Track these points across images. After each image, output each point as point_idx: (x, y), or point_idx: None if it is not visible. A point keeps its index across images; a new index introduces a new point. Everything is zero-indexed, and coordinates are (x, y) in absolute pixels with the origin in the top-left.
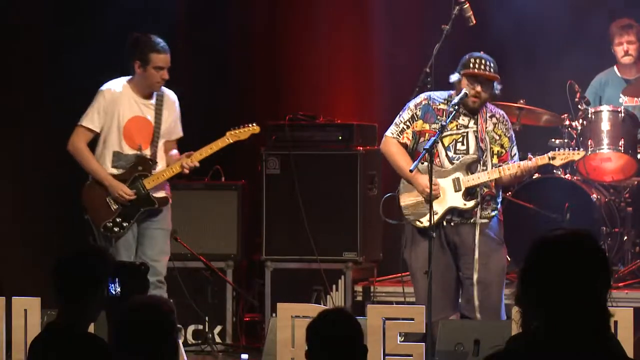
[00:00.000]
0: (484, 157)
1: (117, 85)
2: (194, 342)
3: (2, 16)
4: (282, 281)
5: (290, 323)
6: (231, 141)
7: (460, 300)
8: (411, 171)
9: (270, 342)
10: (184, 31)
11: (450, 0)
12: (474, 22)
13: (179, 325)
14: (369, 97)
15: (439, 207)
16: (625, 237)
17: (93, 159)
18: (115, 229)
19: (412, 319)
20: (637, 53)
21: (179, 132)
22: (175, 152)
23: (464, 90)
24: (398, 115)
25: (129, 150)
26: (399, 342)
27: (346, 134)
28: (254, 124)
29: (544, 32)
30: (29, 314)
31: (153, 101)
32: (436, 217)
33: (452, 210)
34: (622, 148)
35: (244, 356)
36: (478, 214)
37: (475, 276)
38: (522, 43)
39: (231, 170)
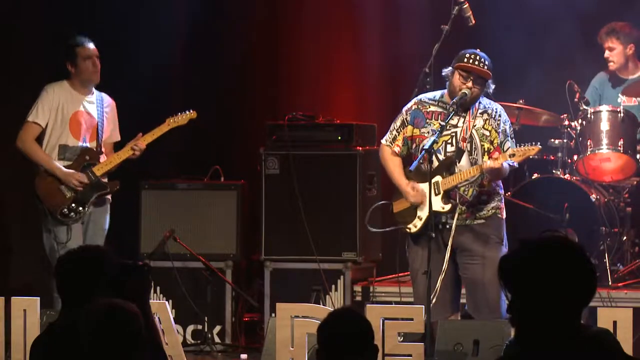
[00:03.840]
0: (472, 155)
1: (59, 84)
2: (193, 342)
3: (2, 16)
4: (282, 281)
5: (289, 323)
6: (170, 127)
7: (462, 300)
8: (411, 171)
9: (269, 342)
10: (183, 32)
11: (450, 0)
12: (474, 21)
13: (178, 327)
14: (368, 97)
15: (422, 212)
16: (625, 237)
17: (41, 151)
18: (72, 215)
19: (412, 319)
20: (622, 58)
21: (117, 136)
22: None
23: (463, 91)
24: (393, 121)
25: (74, 143)
26: (398, 342)
27: (345, 134)
28: (192, 110)
29: (543, 31)
30: (28, 314)
31: (93, 99)
32: (421, 223)
33: (435, 215)
34: (622, 148)
35: (243, 356)
36: (456, 217)
37: (471, 276)
38: (522, 43)
39: (230, 170)
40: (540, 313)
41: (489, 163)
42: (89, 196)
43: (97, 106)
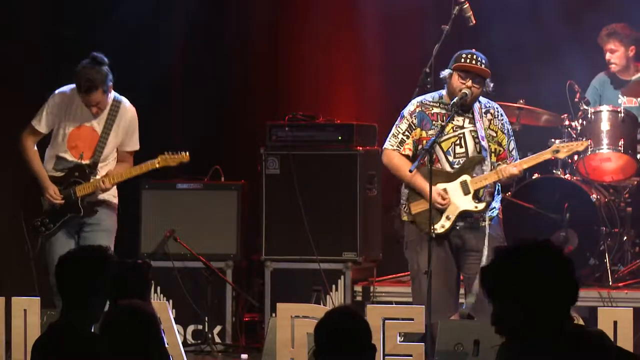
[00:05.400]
0: (487, 156)
1: (69, 91)
2: (193, 342)
3: (2, 16)
4: (282, 281)
5: (289, 323)
6: (159, 166)
7: (462, 300)
8: (411, 171)
9: (269, 342)
10: (185, 31)
11: (450, 0)
12: (474, 22)
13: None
14: (369, 97)
15: (451, 213)
16: (625, 237)
17: (35, 159)
18: (42, 229)
19: (412, 319)
20: (624, 60)
21: (133, 145)
22: (124, 164)
23: (463, 91)
24: (394, 126)
25: (71, 158)
26: (398, 342)
27: (346, 134)
28: (186, 153)
29: (543, 31)
30: (28, 314)
31: (106, 110)
32: (449, 223)
33: (463, 214)
34: (622, 148)
35: (244, 356)
36: (487, 216)
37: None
38: (522, 43)
39: (231, 170)
40: (525, 318)
41: (512, 170)
42: (62, 215)
43: (108, 118)
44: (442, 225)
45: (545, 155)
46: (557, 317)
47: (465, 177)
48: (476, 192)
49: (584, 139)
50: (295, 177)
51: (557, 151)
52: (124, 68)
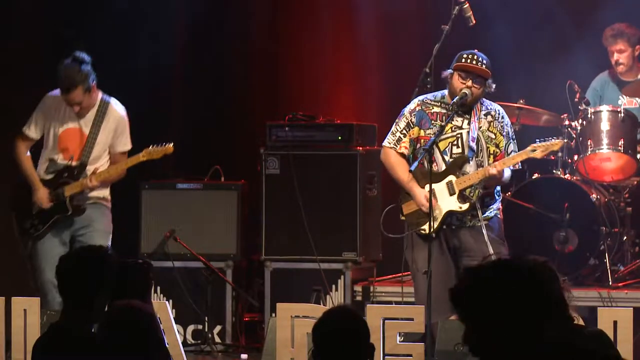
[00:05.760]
0: (478, 157)
1: (58, 94)
2: (193, 342)
3: (2, 16)
4: (282, 281)
5: (289, 323)
6: (144, 159)
7: None
8: (411, 171)
9: (269, 342)
10: (185, 31)
11: (450, 0)
12: (474, 22)
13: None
14: (369, 97)
15: (437, 213)
16: (625, 237)
17: (27, 164)
18: (31, 231)
19: (412, 319)
20: (631, 60)
21: (124, 145)
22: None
23: (463, 91)
24: (394, 123)
25: (62, 160)
26: (398, 342)
27: (346, 134)
28: (170, 144)
29: (543, 31)
30: (28, 314)
31: (93, 111)
32: (436, 224)
33: (450, 215)
34: (622, 148)
35: (244, 356)
36: (480, 216)
37: None
38: (522, 43)
39: (231, 170)
40: (499, 338)
41: (491, 171)
42: (50, 216)
43: (95, 119)
44: (429, 226)
45: (523, 155)
46: (529, 334)
47: (450, 177)
48: (462, 192)
49: (560, 138)
50: (295, 177)
51: (534, 150)
52: (124, 68)
